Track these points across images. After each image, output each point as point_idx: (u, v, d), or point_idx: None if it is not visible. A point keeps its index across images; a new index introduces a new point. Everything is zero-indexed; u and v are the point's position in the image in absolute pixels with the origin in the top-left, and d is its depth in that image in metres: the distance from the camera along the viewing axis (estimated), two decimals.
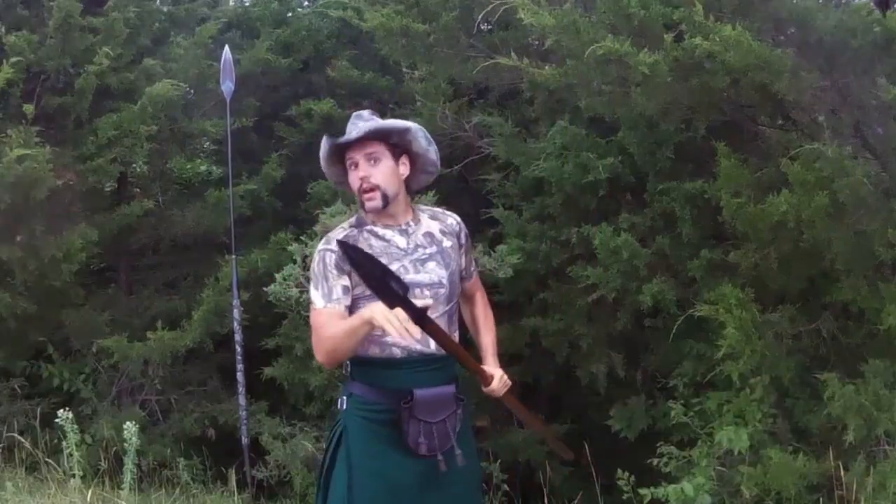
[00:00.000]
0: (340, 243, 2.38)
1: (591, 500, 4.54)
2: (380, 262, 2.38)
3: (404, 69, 5.53)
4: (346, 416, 2.59)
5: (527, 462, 5.21)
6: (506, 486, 4.76)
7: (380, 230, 2.57)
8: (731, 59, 3.42)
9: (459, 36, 4.78)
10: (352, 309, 2.51)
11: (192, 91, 6.02)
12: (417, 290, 2.49)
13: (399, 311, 2.26)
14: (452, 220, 2.71)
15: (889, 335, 3.54)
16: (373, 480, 2.50)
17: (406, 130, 2.58)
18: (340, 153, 2.58)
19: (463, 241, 2.70)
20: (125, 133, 5.35)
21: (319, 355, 2.53)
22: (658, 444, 4.27)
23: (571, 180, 4.56)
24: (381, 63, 6.23)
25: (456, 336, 2.60)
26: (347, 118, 6.24)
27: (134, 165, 6.02)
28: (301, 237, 4.79)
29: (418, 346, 2.50)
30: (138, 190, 6.22)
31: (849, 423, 3.49)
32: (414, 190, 2.71)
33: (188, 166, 6.84)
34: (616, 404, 4.89)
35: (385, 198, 2.52)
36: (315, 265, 2.55)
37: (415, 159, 2.62)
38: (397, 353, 2.52)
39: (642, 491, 3.99)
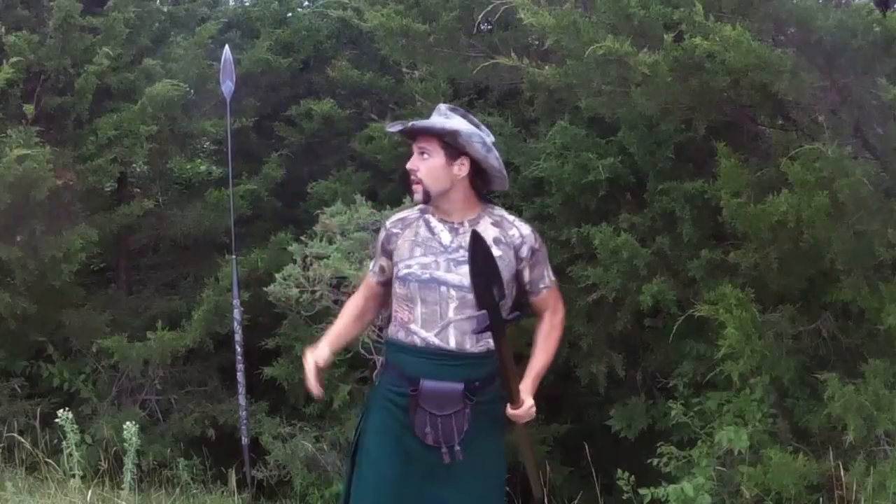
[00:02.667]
0: (474, 234, 2.46)
1: (591, 500, 4.55)
2: (495, 266, 2.49)
3: (404, 69, 5.53)
4: (373, 395, 2.83)
5: None
6: (506, 487, 4.75)
7: (434, 222, 2.68)
8: (731, 59, 3.42)
9: (459, 36, 4.78)
10: (399, 285, 2.67)
11: (192, 91, 6.01)
12: (444, 288, 2.60)
13: (308, 361, 2.77)
14: (516, 231, 2.69)
15: (889, 335, 3.54)
16: (381, 458, 2.66)
17: (454, 133, 2.60)
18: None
19: (524, 254, 2.68)
20: (125, 133, 5.35)
21: None
22: (658, 444, 4.27)
23: (571, 180, 4.56)
24: (381, 63, 6.23)
25: (489, 343, 2.61)
26: (348, 118, 6.36)
27: (134, 165, 6.02)
28: (301, 237, 4.79)
29: (437, 341, 2.60)
30: (138, 190, 6.21)
31: (849, 423, 3.48)
32: (486, 191, 2.75)
33: (188, 166, 6.83)
34: (616, 404, 4.89)
35: (426, 193, 2.62)
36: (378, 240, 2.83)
37: (476, 163, 2.64)
38: (417, 341, 2.63)
39: (642, 491, 3.99)
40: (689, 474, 4.01)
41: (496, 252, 2.62)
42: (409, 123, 2.67)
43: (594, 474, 4.39)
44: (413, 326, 2.63)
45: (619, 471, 4.28)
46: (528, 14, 3.80)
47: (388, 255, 2.73)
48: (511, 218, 2.75)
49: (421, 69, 5.34)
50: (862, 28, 3.31)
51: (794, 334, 3.99)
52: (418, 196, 2.65)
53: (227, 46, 3.10)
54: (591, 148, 4.54)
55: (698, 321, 4.08)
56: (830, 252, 3.58)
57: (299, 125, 6.41)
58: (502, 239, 2.66)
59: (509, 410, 2.66)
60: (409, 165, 2.65)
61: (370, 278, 2.85)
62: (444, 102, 5.18)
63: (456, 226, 2.66)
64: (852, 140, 3.55)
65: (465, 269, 2.56)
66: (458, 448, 2.59)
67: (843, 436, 3.55)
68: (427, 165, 2.62)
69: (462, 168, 2.63)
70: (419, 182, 2.63)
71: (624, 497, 4.19)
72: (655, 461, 4.22)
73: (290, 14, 7.09)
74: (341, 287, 4.48)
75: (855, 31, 3.32)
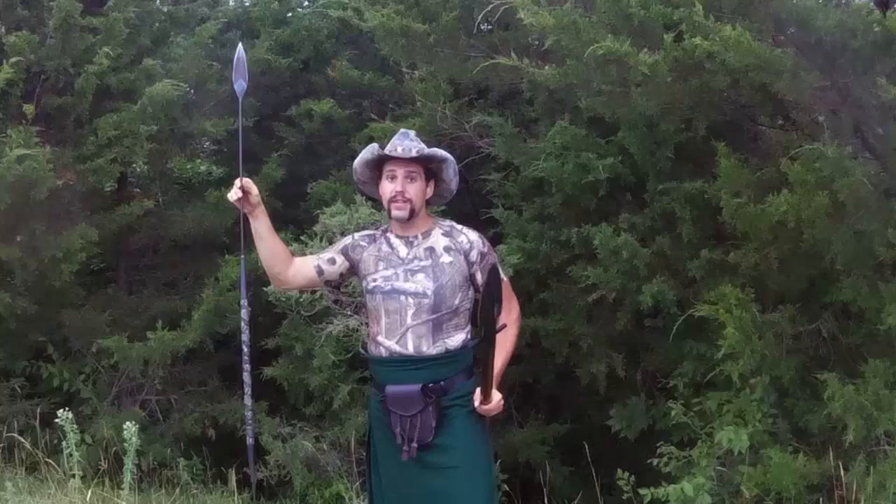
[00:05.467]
0: (493, 268, 2.71)
1: (591, 500, 4.55)
2: (500, 292, 2.68)
3: (404, 69, 5.53)
4: (369, 404, 3.04)
5: (527, 462, 5.21)
6: (506, 486, 4.76)
7: (393, 238, 2.93)
8: (731, 59, 3.42)
9: (459, 36, 4.78)
10: (369, 299, 2.90)
11: (192, 91, 6.01)
12: (403, 297, 2.83)
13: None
14: (465, 237, 2.92)
15: (889, 335, 3.54)
16: (385, 457, 2.90)
17: (444, 160, 2.90)
18: (381, 162, 2.90)
19: (474, 258, 2.90)
20: (125, 133, 5.34)
21: None
22: (658, 444, 4.27)
23: (571, 180, 4.56)
24: (381, 63, 6.23)
25: (446, 344, 2.84)
26: (347, 118, 6.31)
27: (134, 165, 6.02)
28: (301, 237, 4.79)
29: (398, 348, 2.83)
30: (138, 190, 6.21)
31: (849, 423, 3.49)
32: (429, 208, 3.02)
33: (188, 166, 6.83)
34: (616, 404, 4.89)
35: (412, 212, 2.86)
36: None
37: (438, 184, 2.95)
38: (383, 352, 2.87)
39: (642, 491, 3.99)
40: (689, 474, 4.01)
41: (448, 259, 2.87)
42: (427, 151, 2.85)
43: (594, 474, 4.39)
44: (379, 338, 2.87)
45: (619, 471, 4.28)
46: (528, 14, 3.80)
47: (349, 259, 2.95)
48: (459, 227, 2.97)
49: (421, 69, 5.34)
50: (862, 28, 3.31)
51: (794, 334, 3.99)
52: (403, 213, 2.84)
53: (240, 45, 3.11)
54: (591, 148, 4.54)
55: (698, 321, 4.09)
56: (830, 252, 3.59)
57: (299, 125, 6.41)
58: (452, 246, 2.89)
59: (481, 407, 2.80)
60: (398, 188, 2.83)
61: (312, 259, 3.02)
62: (445, 102, 5.25)
63: (411, 239, 2.90)
64: (852, 140, 3.55)
65: (419, 277, 2.83)
66: (414, 445, 2.77)
67: (843, 436, 3.55)
68: (415, 188, 2.85)
69: (430, 190, 2.92)
70: (408, 201, 2.83)
71: (624, 497, 4.19)
72: (655, 461, 4.22)
73: (290, 14, 7.10)
74: (341, 287, 4.48)
75: (855, 31, 3.32)
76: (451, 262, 2.85)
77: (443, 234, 2.91)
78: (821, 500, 3.76)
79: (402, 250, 2.89)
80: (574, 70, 3.92)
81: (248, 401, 3.16)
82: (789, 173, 3.55)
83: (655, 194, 4.42)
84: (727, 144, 3.88)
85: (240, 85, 3.14)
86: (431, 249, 2.87)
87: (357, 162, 2.94)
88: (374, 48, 5.79)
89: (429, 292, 2.81)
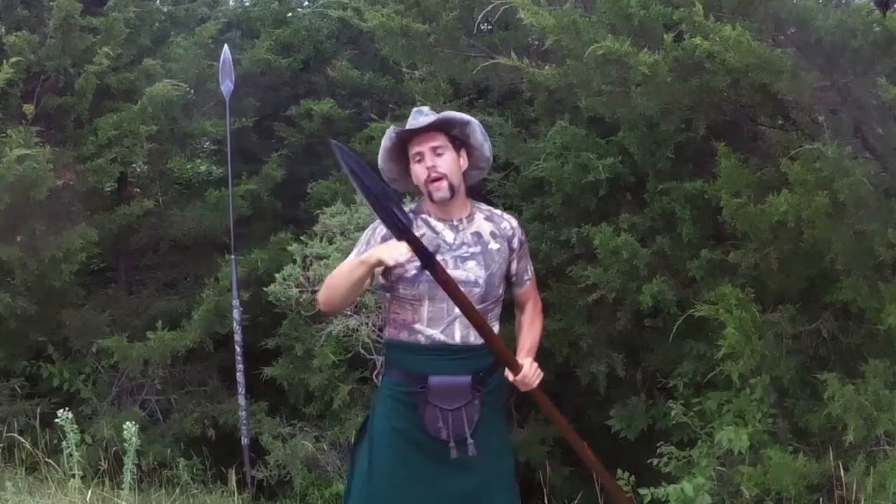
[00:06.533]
0: (333, 143, 2.50)
1: (591, 500, 4.55)
2: (383, 186, 2.49)
3: (404, 69, 5.53)
4: (377, 396, 2.81)
5: (527, 462, 5.21)
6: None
7: (434, 221, 2.69)
8: (731, 59, 3.42)
9: (459, 36, 4.78)
10: (392, 288, 2.66)
11: (192, 91, 6.02)
12: None
13: (403, 247, 2.41)
14: (507, 224, 2.77)
15: (889, 335, 3.54)
16: (392, 457, 2.67)
17: (467, 123, 2.68)
18: (402, 148, 2.68)
19: (515, 246, 2.76)
20: (125, 133, 5.35)
21: (320, 295, 2.72)
22: (658, 444, 4.27)
23: (571, 180, 4.55)
24: (381, 63, 6.23)
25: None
26: (347, 118, 6.36)
27: (134, 165, 6.02)
28: (301, 237, 4.80)
29: (442, 337, 2.63)
30: (138, 190, 6.21)
31: (849, 423, 3.48)
32: (468, 185, 2.77)
33: (188, 166, 6.84)
34: (616, 404, 4.89)
35: (452, 188, 2.63)
36: (364, 233, 2.73)
37: (470, 153, 2.71)
38: (422, 340, 2.65)
39: (642, 491, 3.99)
40: (689, 474, 4.01)
41: (496, 245, 2.69)
42: (443, 115, 2.66)
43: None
44: (417, 326, 2.65)
45: (619, 471, 4.27)
46: (528, 14, 3.79)
47: None
48: (498, 211, 2.81)
49: (421, 69, 5.34)
50: (862, 28, 3.30)
51: (794, 334, 3.99)
52: (444, 192, 2.62)
53: (226, 46, 3.11)
54: (591, 148, 4.53)
55: (698, 321, 4.08)
56: (830, 252, 3.58)
57: (299, 125, 6.41)
58: (497, 232, 2.73)
59: (512, 378, 2.65)
60: (428, 164, 2.61)
61: None
62: (445, 102, 5.24)
63: (455, 223, 2.70)
64: (852, 140, 3.55)
65: (471, 264, 2.64)
66: (471, 442, 2.60)
67: (843, 436, 3.55)
68: (446, 161, 2.63)
69: (464, 160, 2.69)
70: (441, 178, 2.61)
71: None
72: (655, 461, 4.22)
73: (290, 14, 7.10)
74: None
75: (855, 31, 3.31)
76: (498, 249, 2.69)
77: (485, 218, 2.74)
78: (821, 500, 3.76)
79: (449, 235, 2.67)
80: (574, 70, 3.91)
81: (241, 401, 3.17)
82: (789, 173, 3.55)
83: (655, 194, 4.41)
84: (727, 144, 3.88)
85: (226, 86, 3.14)
86: (479, 234, 2.69)
87: (380, 157, 2.73)
88: (374, 48, 5.79)
89: (481, 281, 2.64)
